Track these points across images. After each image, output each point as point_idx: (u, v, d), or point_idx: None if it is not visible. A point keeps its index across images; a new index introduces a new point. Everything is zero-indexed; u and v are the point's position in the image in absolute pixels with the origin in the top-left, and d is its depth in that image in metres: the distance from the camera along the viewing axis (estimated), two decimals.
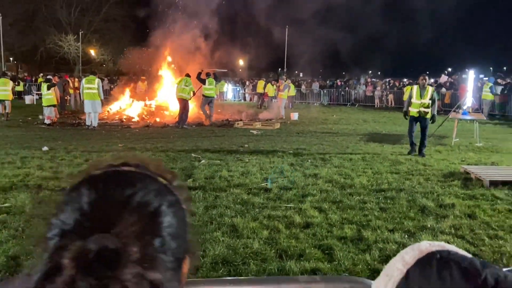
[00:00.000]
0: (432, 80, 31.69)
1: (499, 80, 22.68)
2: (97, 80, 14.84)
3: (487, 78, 23.16)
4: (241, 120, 16.54)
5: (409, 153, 9.61)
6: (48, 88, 15.06)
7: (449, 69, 35.26)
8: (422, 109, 9.44)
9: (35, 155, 8.90)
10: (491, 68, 42.12)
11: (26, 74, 34.35)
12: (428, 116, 9.48)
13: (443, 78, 27.98)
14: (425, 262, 0.58)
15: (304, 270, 3.81)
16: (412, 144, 9.64)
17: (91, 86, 14.42)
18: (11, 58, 46.95)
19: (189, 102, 15.53)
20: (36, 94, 23.27)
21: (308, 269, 3.82)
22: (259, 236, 4.57)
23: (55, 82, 16.77)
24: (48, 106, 15.02)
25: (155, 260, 0.54)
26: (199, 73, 16.20)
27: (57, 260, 0.50)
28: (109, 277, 0.50)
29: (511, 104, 20.93)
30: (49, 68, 35.32)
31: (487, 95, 20.23)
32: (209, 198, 5.94)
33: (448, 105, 21.55)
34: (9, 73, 30.77)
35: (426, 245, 0.61)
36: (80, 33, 41.62)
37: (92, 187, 0.57)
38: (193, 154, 9.12)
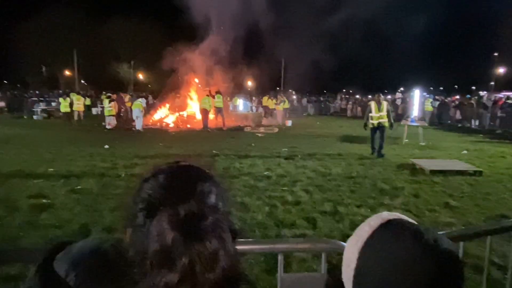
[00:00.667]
0: (389, 97, 31.56)
1: (436, 97, 24.29)
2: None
3: (428, 95, 23.70)
4: (249, 126, 16.54)
5: (372, 154, 9.13)
6: (109, 102, 15.24)
7: (402, 88, 35.00)
8: (380, 121, 8.96)
9: (99, 151, 8.96)
10: (431, 87, 41.78)
11: (93, 92, 34.49)
12: (386, 125, 8.94)
13: (398, 95, 27.95)
14: (386, 226, 0.59)
15: (295, 235, 3.83)
16: (373, 148, 9.13)
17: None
18: (82, 81, 47.22)
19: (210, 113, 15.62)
20: (100, 107, 23.43)
21: (298, 234, 3.84)
22: (262, 211, 4.60)
23: (113, 98, 16.88)
24: (108, 115, 15.21)
25: (223, 225, 0.56)
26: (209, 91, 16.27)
27: (155, 223, 0.51)
28: (198, 233, 0.51)
29: (444, 115, 21.08)
30: (110, 87, 35.49)
31: (428, 108, 20.66)
32: (226, 183, 5.95)
33: (400, 115, 21.52)
34: (81, 92, 31.01)
35: (386, 214, 0.62)
36: (132, 62, 41.80)
37: (165, 173, 0.59)
38: (214, 151, 9.15)
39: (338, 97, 33.29)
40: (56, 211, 4.56)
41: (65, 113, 16.20)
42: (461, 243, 1.34)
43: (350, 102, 29.40)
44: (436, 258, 0.53)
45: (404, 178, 6.60)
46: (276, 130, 15.48)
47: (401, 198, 5.28)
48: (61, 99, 17.24)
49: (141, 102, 14.93)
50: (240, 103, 31.07)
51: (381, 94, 9.87)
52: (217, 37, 19.07)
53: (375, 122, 9.00)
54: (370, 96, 33.15)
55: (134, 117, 14.70)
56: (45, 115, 20.43)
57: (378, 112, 9.00)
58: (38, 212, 4.45)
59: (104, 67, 41.82)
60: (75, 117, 17.21)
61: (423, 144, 11.16)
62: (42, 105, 21.88)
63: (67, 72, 45.20)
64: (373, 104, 9.14)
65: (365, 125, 9.35)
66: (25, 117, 20.02)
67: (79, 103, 17.42)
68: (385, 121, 8.94)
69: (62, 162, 7.46)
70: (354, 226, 4.17)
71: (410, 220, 0.61)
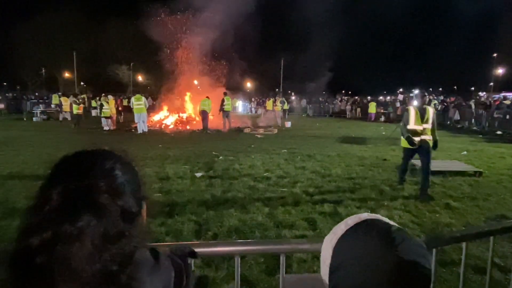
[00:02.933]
0: (388, 98, 31.59)
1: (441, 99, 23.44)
2: (143, 98, 14.80)
3: (435, 98, 23.41)
4: (249, 127, 16.54)
5: (399, 184, 6.06)
6: (105, 104, 15.28)
7: (401, 89, 35.05)
8: (423, 137, 5.51)
9: None
10: (430, 88, 41.86)
11: (91, 95, 34.46)
12: (430, 143, 5.50)
13: (400, 96, 28.02)
14: (359, 225, 0.61)
15: (294, 236, 3.81)
16: (402, 178, 6.14)
17: (139, 103, 14.43)
18: (82, 82, 47.18)
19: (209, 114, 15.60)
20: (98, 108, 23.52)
21: (298, 235, 3.82)
22: (262, 212, 4.58)
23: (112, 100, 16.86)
24: (104, 117, 15.29)
25: (119, 192, 0.62)
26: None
27: (47, 195, 0.58)
28: (87, 200, 0.57)
29: (445, 116, 21.01)
30: (108, 89, 35.46)
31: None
32: (225, 184, 5.94)
33: (400, 116, 21.60)
34: (79, 93, 30.96)
35: (365, 215, 0.64)
36: (131, 64, 41.79)
37: (74, 156, 0.67)
38: (213, 152, 9.11)
39: (338, 99, 33.31)
40: None
41: (76, 115, 16.02)
42: (464, 244, 1.33)
43: (349, 103, 29.42)
44: (398, 259, 0.55)
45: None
46: (276, 131, 15.47)
47: (401, 200, 5.26)
48: (73, 103, 16.92)
49: (144, 104, 14.66)
50: (240, 105, 31.09)
51: (426, 94, 6.50)
52: (216, 38, 19.08)
53: (416, 139, 5.58)
54: (369, 97, 33.19)
55: (136, 120, 14.57)
56: (44, 116, 20.43)
57: (421, 123, 5.59)
58: None
59: (103, 69, 41.84)
60: (60, 118, 18.67)
61: None
62: (41, 107, 21.86)
63: (66, 74, 45.16)
64: (412, 111, 5.70)
65: (411, 140, 5.57)
66: (24, 119, 20.01)
67: (66, 104, 18.98)
68: (429, 138, 5.55)
69: None
70: None
71: (391, 222, 0.62)
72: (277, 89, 41.20)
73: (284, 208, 4.77)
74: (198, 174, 6.59)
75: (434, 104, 20.66)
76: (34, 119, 19.75)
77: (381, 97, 35.99)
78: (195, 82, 20.55)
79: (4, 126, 15.88)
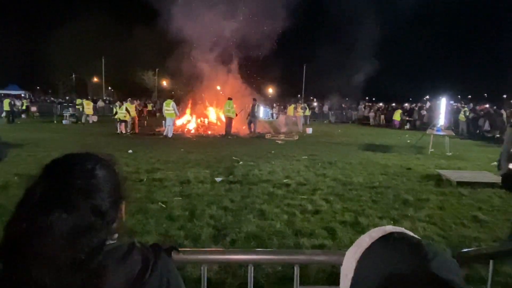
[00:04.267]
0: (414, 105, 30.73)
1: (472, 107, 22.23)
2: (172, 103, 15.01)
3: (465, 105, 22.34)
4: (269, 133, 16.52)
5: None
6: (121, 108, 15.59)
7: (427, 96, 33.97)
8: None
9: (123, 155, 9.16)
10: (458, 95, 40.29)
11: (117, 98, 35.66)
12: None
13: (427, 104, 27.24)
14: (386, 238, 0.58)
15: (313, 245, 3.75)
16: None
17: (168, 108, 14.79)
18: (109, 87, 48.87)
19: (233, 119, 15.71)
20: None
21: (316, 245, 3.76)
22: (281, 219, 4.54)
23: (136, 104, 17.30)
24: (120, 121, 15.59)
25: (92, 192, 0.72)
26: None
27: (32, 192, 0.69)
28: (60, 197, 0.68)
29: (475, 125, 20.08)
30: (135, 94, 36.57)
31: (462, 117, 19.49)
32: (245, 190, 5.94)
33: (426, 123, 20.86)
34: (106, 98, 32.12)
35: (390, 228, 0.61)
36: (156, 70, 42.89)
37: (61, 158, 0.77)
38: (233, 157, 9.16)
39: (361, 105, 32.74)
40: None
41: (121, 121, 15.92)
42: (491, 262, 1.25)
43: (373, 110, 28.84)
44: (431, 276, 0.51)
45: (429, 189, 6.36)
46: (297, 137, 15.37)
47: (426, 211, 5.07)
48: (116, 107, 17.12)
49: (173, 110, 14.86)
50: (261, 110, 31.16)
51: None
52: (238, 44, 19.28)
53: None
54: (394, 104, 32.44)
55: (165, 125, 14.90)
56: (73, 119, 21.27)
57: None
58: None
59: (130, 74, 43.16)
60: (83, 120, 19.92)
61: (450, 154, 10.75)
62: (70, 110, 22.77)
63: (95, 79, 46.93)
64: None
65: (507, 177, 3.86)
66: (54, 121, 20.90)
67: (88, 107, 20.63)
68: None
69: None
70: None
71: (415, 236, 0.60)
72: (299, 95, 41.07)
73: (303, 215, 4.71)
74: (218, 179, 6.64)
75: (464, 112, 19.76)
76: (64, 121, 20.60)
77: (406, 104, 35.04)
78: (218, 87, 20.79)
79: (36, 128, 16.65)
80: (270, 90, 42.92)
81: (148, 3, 18.55)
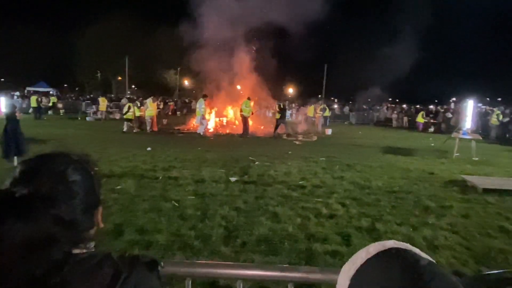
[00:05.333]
0: (439, 107, 29.71)
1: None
2: (201, 101, 15.43)
3: (498, 108, 21.07)
4: (287, 133, 16.35)
5: None
6: (128, 108, 15.80)
7: (454, 98, 32.67)
8: None
9: (142, 153, 9.29)
10: (487, 98, 38.46)
11: (141, 97, 36.38)
12: None
13: (452, 105, 26.30)
14: (382, 254, 0.52)
15: (326, 251, 3.62)
16: None
17: (197, 106, 15.44)
18: (133, 85, 49.98)
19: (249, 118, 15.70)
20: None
21: (330, 251, 3.62)
22: (294, 222, 4.43)
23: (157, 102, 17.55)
24: (126, 119, 15.69)
25: (59, 200, 0.65)
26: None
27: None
28: (16, 205, 0.61)
29: (504, 129, 19.04)
30: (157, 92, 37.26)
31: (495, 121, 18.52)
32: (259, 191, 5.86)
33: (452, 127, 20.03)
34: (129, 96, 32.90)
35: (391, 243, 0.55)
36: (178, 69, 43.51)
37: (28, 161, 0.72)
38: (250, 157, 9.08)
39: (383, 106, 31.95)
40: None
41: (137, 118, 16.31)
42: None
43: (396, 112, 28.07)
44: None
45: (452, 195, 6.06)
46: (315, 138, 15.14)
47: (448, 218, 4.81)
48: (131, 105, 17.20)
49: (202, 108, 15.11)
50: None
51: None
52: (258, 43, 19.22)
53: None
54: (418, 106, 31.47)
55: (198, 123, 15.43)
56: (97, 116, 21.86)
57: None
58: None
59: (153, 73, 43.99)
60: (100, 116, 20.82)
61: (476, 159, 10.25)
62: (94, 108, 23.41)
63: (119, 77, 48.12)
64: None
65: None
66: (79, 118, 21.56)
67: (103, 104, 21.54)
68: None
69: (106, 162, 7.79)
70: None
71: (422, 254, 0.53)
72: (319, 95, 40.55)
73: (318, 219, 4.57)
74: (233, 179, 6.58)
75: (497, 115, 18.70)
76: (87, 118, 21.21)
77: (431, 106, 33.91)
78: (238, 87, 20.80)
79: (61, 125, 17.22)
80: (290, 90, 42.68)
81: (170, 5, 18.73)
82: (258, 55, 19.68)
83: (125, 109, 16.06)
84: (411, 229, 4.36)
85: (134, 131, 15.44)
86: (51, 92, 34.28)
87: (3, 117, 7.53)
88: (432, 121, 23.55)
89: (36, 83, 38.34)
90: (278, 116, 15.81)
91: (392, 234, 4.18)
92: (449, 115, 23.13)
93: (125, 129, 15.38)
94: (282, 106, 15.98)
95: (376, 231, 4.25)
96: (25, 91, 34.14)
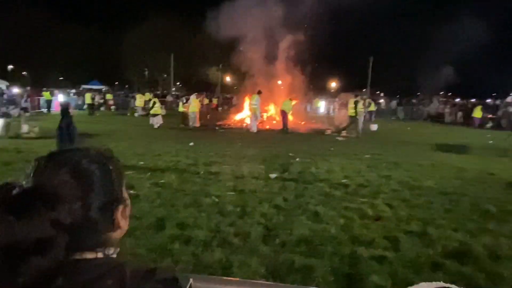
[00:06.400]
0: (498, 101, 27.18)
1: None
2: (256, 97, 15.05)
3: None
4: (329, 128, 15.88)
5: None
6: (154, 103, 15.98)
7: None
8: None
9: (185, 148, 9.50)
10: None
11: (186, 94, 37.55)
12: None
13: (509, 98, 23.93)
14: None
15: (372, 256, 3.38)
16: None
17: (253, 103, 15.04)
18: (178, 82, 51.72)
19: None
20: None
21: (376, 256, 3.38)
22: (336, 223, 4.21)
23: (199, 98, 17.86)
24: (153, 115, 15.77)
25: (58, 199, 0.57)
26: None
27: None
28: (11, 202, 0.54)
29: None
30: (200, 89, 38.26)
31: None
32: (299, 188, 5.69)
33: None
34: (174, 93, 34.06)
35: (424, 286, 0.55)
36: (220, 65, 44.20)
37: (43, 157, 0.65)
38: (290, 153, 8.90)
39: (435, 100, 29.90)
40: (139, 202, 4.87)
41: (182, 113, 16.82)
42: None
43: (449, 106, 26.15)
44: None
45: None
46: (359, 134, 14.52)
47: None
48: (156, 100, 18.09)
49: (256, 105, 14.87)
50: (322, 105, 30.30)
51: None
52: (300, 35, 18.84)
53: None
54: (474, 100, 29.08)
55: (254, 119, 15.20)
56: (143, 113, 22.89)
57: None
58: None
59: (196, 70, 45.15)
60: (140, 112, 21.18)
61: None
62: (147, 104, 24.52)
63: (165, 75, 50.02)
64: None
65: None
66: (128, 114, 22.72)
67: (140, 100, 22.26)
68: None
69: (151, 156, 8.08)
70: (447, 252, 3.53)
71: None
72: (363, 89, 39.02)
73: (362, 221, 4.31)
74: (273, 176, 6.47)
75: None
76: (136, 114, 22.28)
77: (489, 100, 31.16)
78: (279, 82, 20.62)
79: (111, 121, 18.24)
80: (333, 84, 41.54)
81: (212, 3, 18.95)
82: (300, 48, 19.30)
83: (150, 105, 16.45)
84: (468, 236, 3.95)
85: (156, 126, 15.23)
86: (103, 90, 36.49)
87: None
88: (490, 116, 21.61)
89: (89, 81, 41.05)
90: (353, 113, 14.42)
91: (446, 240, 3.81)
92: (511, 109, 21.06)
93: (155, 125, 15.27)
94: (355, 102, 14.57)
95: (428, 236, 3.91)
96: (80, 89, 36.67)
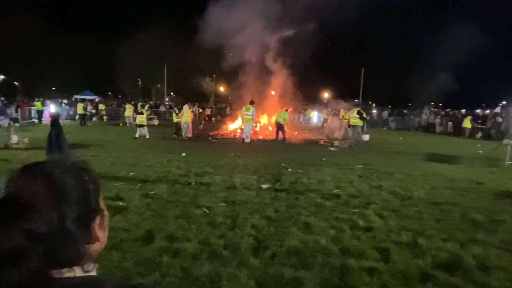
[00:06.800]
0: (487, 111, 27.66)
1: None
2: (252, 108, 14.68)
3: None
4: (322, 139, 15.96)
5: None
6: (141, 113, 15.50)
7: (504, 102, 30.13)
8: None
9: (176, 158, 9.44)
10: None
11: (180, 105, 37.57)
12: None
13: (498, 109, 24.42)
14: None
15: (362, 267, 3.36)
16: None
17: (247, 113, 14.64)
18: (171, 93, 51.75)
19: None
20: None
21: (366, 267, 3.35)
22: (327, 234, 4.18)
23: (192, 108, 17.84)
24: (139, 125, 15.22)
25: (38, 209, 0.56)
26: None
27: None
28: None
29: None
30: (194, 99, 38.30)
31: None
32: (291, 199, 5.66)
33: (503, 132, 18.50)
34: (168, 103, 34.05)
35: None
36: (214, 76, 44.41)
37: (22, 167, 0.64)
38: (282, 164, 8.90)
39: (426, 111, 30.32)
40: (128, 214, 4.80)
41: (176, 124, 16.78)
42: None
43: (439, 116, 26.52)
44: None
45: (505, 209, 5.49)
46: (351, 144, 14.60)
47: (501, 235, 4.33)
48: (173, 113, 18.20)
49: (251, 116, 14.58)
50: (315, 115, 30.52)
51: None
52: (292, 46, 19.08)
53: None
54: (463, 110, 29.54)
55: (244, 132, 14.91)
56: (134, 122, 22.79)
57: None
58: (112, 214, 4.70)
59: (190, 80, 45.29)
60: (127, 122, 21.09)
61: None
62: (134, 114, 24.40)
63: (158, 85, 50.05)
64: None
65: None
66: (120, 124, 22.57)
67: (130, 110, 21.97)
68: None
69: (142, 167, 8.00)
70: (437, 263, 3.52)
71: None
72: (356, 100, 39.43)
73: (353, 232, 4.30)
74: (264, 186, 6.45)
75: None
76: (128, 124, 22.14)
77: (478, 110, 31.69)
78: (272, 92, 20.75)
79: (103, 131, 18.10)
80: (326, 95, 41.97)
81: (205, 15, 19.08)
82: (293, 59, 19.51)
83: (134, 115, 16.28)
84: (458, 246, 3.96)
85: (137, 135, 14.94)
86: (96, 100, 36.33)
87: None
88: (480, 126, 21.94)
89: (82, 91, 40.86)
90: (360, 122, 14.39)
91: (436, 250, 3.81)
92: (499, 119, 21.43)
93: (136, 135, 14.90)
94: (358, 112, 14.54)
95: (418, 247, 3.90)
96: (73, 99, 36.46)
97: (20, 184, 0.59)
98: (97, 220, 0.67)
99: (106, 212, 0.72)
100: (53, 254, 0.56)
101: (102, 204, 0.71)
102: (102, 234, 0.68)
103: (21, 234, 0.53)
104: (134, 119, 21.41)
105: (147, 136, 15.07)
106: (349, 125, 15.23)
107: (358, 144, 14.22)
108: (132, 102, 26.94)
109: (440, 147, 14.56)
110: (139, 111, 16.01)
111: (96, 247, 0.67)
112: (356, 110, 14.61)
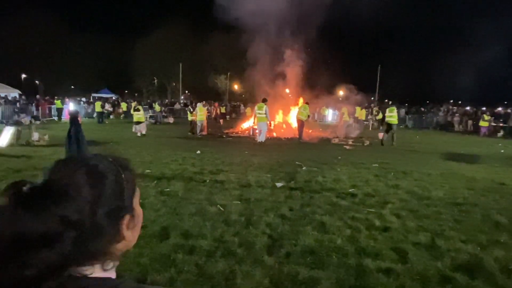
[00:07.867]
0: (510, 110, 26.71)
1: None
2: (265, 106, 14.22)
3: None
4: (337, 137, 15.78)
5: None
6: (136, 110, 15.47)
7: None
8: None
9: (191, 156, 9.51)
10: None
11: (193, 102, 37.84)
12: None
13: None
14: None
15: (378, 268, 3.30)
16: None
17: (260, 112, 14.23)
18: (186, 91, 52.23)
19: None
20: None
21: (383, 268, 3.29)
22: (343, 233, 4.13)
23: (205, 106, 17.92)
24: (136, 122, 15.29)
25: (74, 197, 0.58)
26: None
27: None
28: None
29: None
30: (209, 97, 38.53)
31: None
32: (305, 198, 5.62)
33: None
34: (183, 101, 34.36)
35: None
36: (228, 74, 44.56)
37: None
38: (297, 162, 8.84)
39: (444, 109, 29.60)
40: (144, 211, 4.77)
41: (190, 122, 16.90)
42: None
43: (458, 115, 25.82)
44: None
45: None
46: (367, 143, 14.39)
47: None
48: (141, 108, 17.79)
49: (264, 115, 14.06)
50: (329, 113, 30.20)
51: None
52: (308, 44, 18.91)
53: None
54: (484, 108, 28.68)
55: (258, 128, 14.49)
56: (152, 121, 23.09)
57: None
58: None
59: (204, 78, 45.61)
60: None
61: None
62: (150, 112, 24.77)
63: (173, 83, 50.61)
64: None
65: None
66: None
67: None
68: None
69: (158, 164, 8.10)
70: (457, 265, 3.42)
71: None
72: (372, 98, 38.80)
73: (369, 232, 4.22)
74: (279, 184, 6.42)
75: None
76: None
77: (499, 108, 30.67)
78: (287, 90, 20.65)
79: (120, 129, 18.43)
80: (341, 93, 41.47)
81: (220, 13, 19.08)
82: (308, 56, 19.35)
83: (132, 111, 16.20)
84: (479, 248, 3.84)
85: (139, 134, 14.90)
86: (113, 98, 37.01)
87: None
88: (502, 125, 21.24)
89: (100, 90, 41.72)
90: (394, 121, 14.22)
91: (455, 252, 3.71)
92: None
93: (138, 134, 14.84)
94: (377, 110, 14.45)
95: (436, 248, 3.80)
96: (91, 97, 37.28)
97: (62, 172, 0.61)
98: (127, 218, 0.66)
99: (138, 213, 0.72)
100: (81, 244, 0.56)
101: (136, 205, 0.71)
102: (129, 234, 0.67)
103: (56, 219, 0.55)
104: (164, 117, 21.60)
105: (144, 132, 14.94)
106: (381, 123, 14.87)
107: (393, 143, 13.90)
108: (133, 102, 27.16)
109: (459, 146, 14.19)
110: (136, 108, 15.90)
111: (120, 246, 0.66)
112: (394, 108, 14.44)
